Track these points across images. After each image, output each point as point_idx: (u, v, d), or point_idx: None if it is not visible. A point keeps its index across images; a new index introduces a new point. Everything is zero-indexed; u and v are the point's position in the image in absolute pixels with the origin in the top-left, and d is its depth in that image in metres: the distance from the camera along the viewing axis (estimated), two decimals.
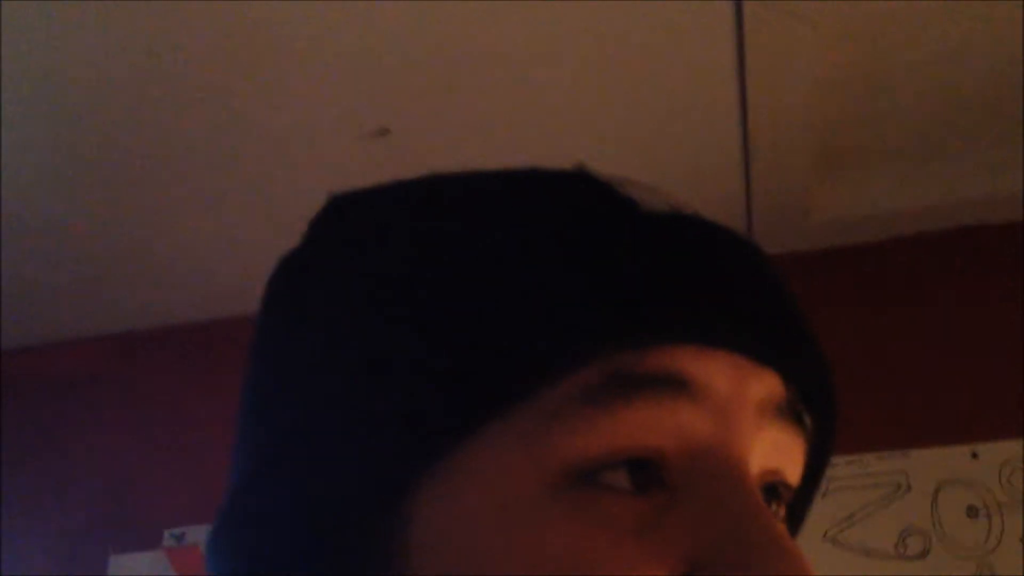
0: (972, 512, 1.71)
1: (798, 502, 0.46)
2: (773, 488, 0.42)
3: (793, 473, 0.43)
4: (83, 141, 1.68)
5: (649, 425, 0.37)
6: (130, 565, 1.96)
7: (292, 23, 1.46)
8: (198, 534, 1.93)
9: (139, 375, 2.16)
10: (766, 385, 0.40)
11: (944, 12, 1.50)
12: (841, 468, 1.76)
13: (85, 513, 2.05)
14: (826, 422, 0.45)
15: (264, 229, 1.89)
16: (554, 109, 1.66)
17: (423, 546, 0.38)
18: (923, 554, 1.70)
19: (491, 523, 0.37)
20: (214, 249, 1.95)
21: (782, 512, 0.43)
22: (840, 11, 1.47)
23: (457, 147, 1.71)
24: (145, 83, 1.56)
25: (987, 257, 1.86)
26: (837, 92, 1.65)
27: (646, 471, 0.38)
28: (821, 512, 1.76)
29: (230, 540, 0.43)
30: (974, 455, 1.73)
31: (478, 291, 0.39)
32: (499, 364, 0.37)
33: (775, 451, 0.41)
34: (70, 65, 1.52)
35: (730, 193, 1.84)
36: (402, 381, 0.38)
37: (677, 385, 0.38)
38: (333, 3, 1.43)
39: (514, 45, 1.53)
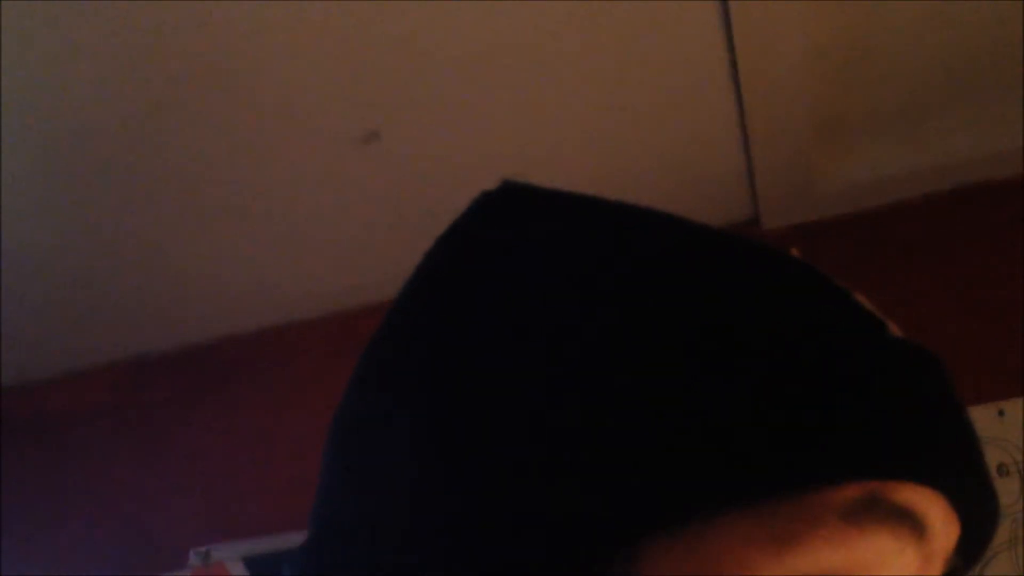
0: (1002, 471, 1.69)
1: None
2: None
3: None
4: (76, 173, 1.67)
5: (882, 561, 0.36)
6: None
7: (278, 30, 1.45)
8: (223, 551, 1.93)
9: (147, 400, 2.15)
10: (955, 536, 0.40)
11: None
12: None
13: (106, 541, 2.05)
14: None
15: (260, 243, 1.88)
16: (546, 109, 1.65)
17: None
18: None
19: None
20: (214, 268, 1.94)
21: None
22: None
23: (449, 150, 1.70)
24: (130, 102, 1.54)
25: (998, 213, 1.84)
26: (831, 58, 1.63)
27: None
28: None
29: None
30: (1000, 413, 1.71)
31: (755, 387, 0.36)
32: (769, 453, 0.35)
33: None
34: (64, 92, 1.51)
35: (732, 171, 1.83)
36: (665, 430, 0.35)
37: (918, 526, 0.37)
38: (321, 5, 1.41)
39: (505, 43, 1.51)
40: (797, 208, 1.90)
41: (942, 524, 0.38)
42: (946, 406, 0.40)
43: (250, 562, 1.90)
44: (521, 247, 0.40)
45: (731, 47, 1.53)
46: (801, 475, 0.35)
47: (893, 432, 0.37)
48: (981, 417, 1.71)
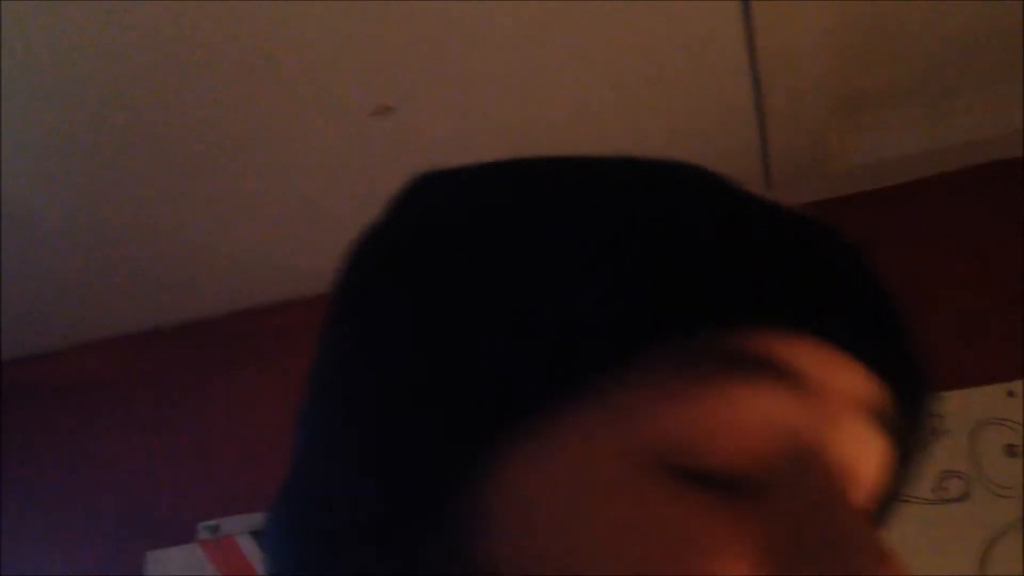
0: (1011, 451, 1.69)
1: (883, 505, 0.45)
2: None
3: (879, 488, 0.42)
4: (81, 143, 1.67)
5: (756, 423, 0.36)
6: (166, 561, 1.96)
7: (294, 5, 1.44)
8: (232, 524, 1.93)
9: (155, 373, 2.16)
10: (869, 392, 0.39)
11: None
12: None
13: (114, 515, 2.05)
14: (912, 439, 0.44)
15: (271, 216, 1.88)
16: (561, 82, 1.64)
17: (505, 515, 0.36)
18: (963, 496, 1.68)
19: (582, 494, 0.35)
20: (225, 240, 1.94)
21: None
22: None
23: (463, 126, 1.70)
24: (138, 79, 1.54)
25: (1013, 193, 1.83)
26: (848, 35, 1.62)
27: (737, 471, 0.36)
28: None
29: (294, 516, 0.41)
30: (1010, 393, 1.71)
31: (577, 259, 0.37)
32: (597, 324, 0.36)
33: (870, 469, 0.40)
34: (70, 64, 1.50)
35: (744, 147, 1.82)
36: (496, 342, 0.37)
37: (786, 375, 0.36)
38: None
39: (520, 19, 1.51)
40: (808, 186, 1.89)
41: (834, 373, 0.37)
42: (814, 260, 0.39)
43: (260, 535, 1.90)
44: (423, 236, 0.42)
45: (748, 23, 1.52)
46: (637, 333, 0.35)
47: (740, 279, 0.36)
48: (990, 397, 1.71)
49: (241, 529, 1.93)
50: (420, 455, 0.37)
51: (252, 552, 1.91)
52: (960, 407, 1.72)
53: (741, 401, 0.36)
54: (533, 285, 0.37)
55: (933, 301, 1.81)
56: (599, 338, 0.36)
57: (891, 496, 0.45)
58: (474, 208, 0.41)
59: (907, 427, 0.42)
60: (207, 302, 2.12)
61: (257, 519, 1.91)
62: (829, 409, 0.37)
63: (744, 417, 0.36)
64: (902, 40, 1.65)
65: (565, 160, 0.43)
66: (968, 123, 1.79)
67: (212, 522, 1.96)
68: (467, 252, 0.40)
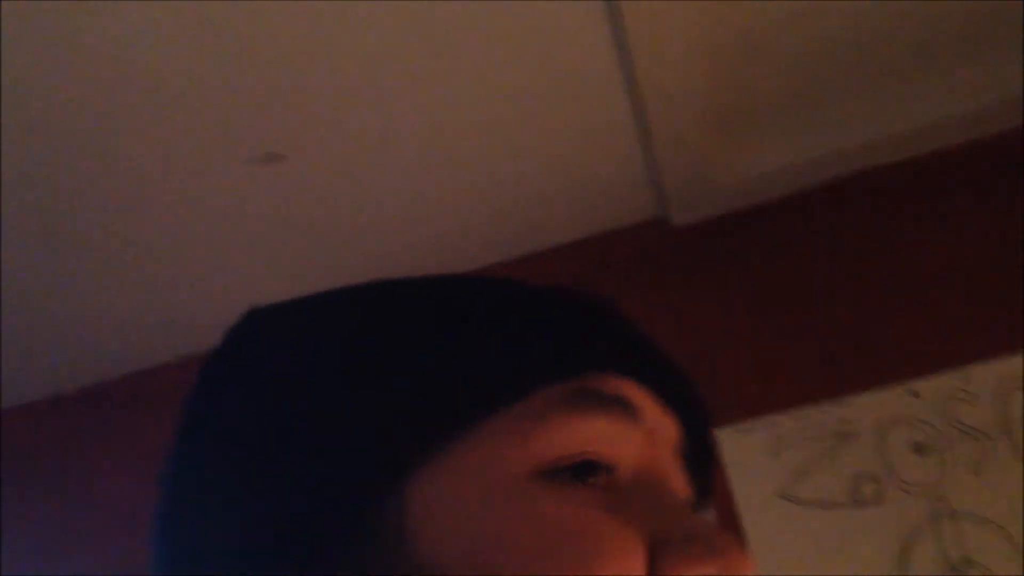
0: (919, 449, 1.72)
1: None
2: None
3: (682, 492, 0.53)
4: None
5: (602, 432, 0.47)
6: None
7: (171, 53, 1.42)
8: None
9: (138, 420, 2.10)
10: (672, 427, 0.51)
11: None
12: (785, 424, 1.76)
13: (105, 559, 1.99)
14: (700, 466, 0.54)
15: (162, 276, 1.84)
16: (446, 120, 1.65)
17: (419, 528, 0.44)
18: (878, 498, 1.71)
19: (483, 503, 0.44)
20: (117, 303, 1.90)
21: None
22: None
23: (352, 168, 1.69)
24: (31, 133, 1.50)
25: (892, 196, 1.87)
26: (722, 53, 1.64)
27: (605, 472, 0.47)
28: (772, 471, 1.77)
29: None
30: (915, 393, 1.74)
31: (481, 339, 0.49)
32: (494, 375, 0.47)
33: (673, 473, 0.50)
34: None
35: (636, 170, 1.84)
36: (408, 390, 0.47)
37: (626, 407, 0.48)
38: (221, 32, 1.39)
39: (401, 59, 1.50)
40: (705, 203, 1.92)
41: (653, 410, 0.49)
42: (619, 327, 0.52)
43: None
44: (260, 367, 0.51)
45: (622, 46, 1.54)
46: (526, 381, 0.47)
47: (584, 344, 0.50)
48: (893, 398, 1.74)
49: None
50: (350, 476, 0.46)
51: None
52: (865, 410, 1.75)
53: (600, 423, 0.47)
54: (441, 348, 0.49)
55: (827, 308, 1.84)
56: (495, 382, 0.47)
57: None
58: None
59: (695, 456, 0.53)
60: (104, 365, 2.07)
61: None
62: (654, 440, 0.49)
63: (600, 429, 0.47)
64: (774, 55, 1.68)
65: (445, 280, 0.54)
66: (845, 132, 1.84)
67: None
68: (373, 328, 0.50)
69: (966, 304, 1.77)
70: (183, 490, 0.50)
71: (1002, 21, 1.68)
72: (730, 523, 1.73)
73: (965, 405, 1.72)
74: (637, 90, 1.62)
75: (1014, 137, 1.83)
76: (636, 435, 0.48)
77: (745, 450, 1.77)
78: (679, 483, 0.50)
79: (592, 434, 0.46)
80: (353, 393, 0.47)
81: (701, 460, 0.53)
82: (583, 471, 0.46)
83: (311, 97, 1.55)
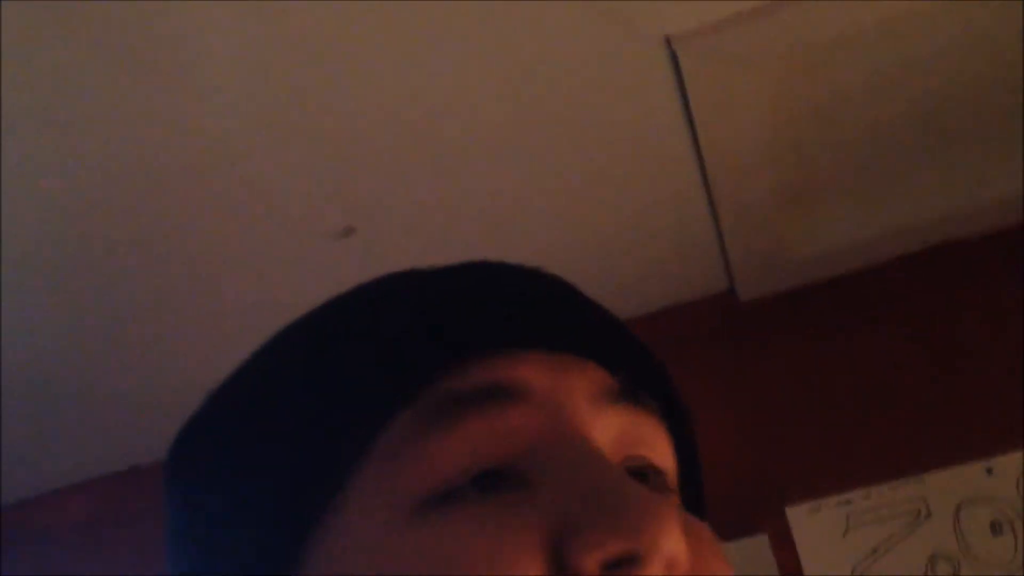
0: (996, 528, 1.68)
1: (688, 486, 0.48)
2: (642, 473, 0.44)
3: (660, 455, 0.45)
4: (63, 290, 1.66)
5: (485, 435, 0.41)
6: None
7: (249, 130, 1.45)
8: None
9: (139, 510, 2.12)
10: (589, 376, 0.44)
11: (882, 34, 1.51)
12: (858, 503, 1.73)
13: None
14: (669, 401, 0.48)
15: (245, 343, 1.86)
16: (516, 196, 1.67)
17: (342, 556, 0.41)
18: None
19: (365, 554, 0.40)
20: (196, 375, 1.93)
21: (675, 500, 0.45)
22: (776, 48, 1.48)
23: (423, 241, 1.71)
24: (104, 221, 1.55)
25: (966, 271, 1.85)
26: (791, 128, 1.65)
27: (493, 478, 0.41)
28: (845, 550, 1.73)
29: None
30: (989, 471, 1.71)
31: (323, 384, 0.45)
32: (346, 422, 0.42)
33: (627, 435, 0.44)
34: (43, 213, 1.51)
35: (704, 244, 1.84)
36: (285, 464, 0.43)
37: (500, 393, 0.42)
38: (292, 106, 1.43)
39: (472, 135, 1.53)
40: (772, 277, 1.91)
41: (542, 375, 0.43)
42: (494, 290, 0.47)
43: None
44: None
45: (690, 120, 1.55)
46: (372, 418, 0.42)
47: (429, 335, 0.44)
48: (969, 475, 1.71)
49: None
50: (253, 538, 0.43)
51: None
52: (940, 488, 1.72)
53: (472, 428, 0.41)
54: (300, 417, 0.44)
55: (901, 385, 1.81)
56: (349, 428, 0.42)
57: (692, 466, 0.49)
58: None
59: (657, 394, 0.47)
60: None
61: None
62: (557, 406, 0.42)
63: (477, 432, 0.41)
64: (843, 130, 1.69)
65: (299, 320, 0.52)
66: (915, 207, 1.82)
67: None
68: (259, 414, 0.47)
69: None
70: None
71: None
72: None
73: None
74: (705, 165, 1.63)
75: None
76: (529, 415, 0.42)
77: (817, 529, 1.74)
78: (605, 434, 0.43)
79: (471, 443, 0.41)
80: (252, 450, 0.45)
81: (666, 407, 0.47)
82: (485, 483, 0.40)
83: (381, 171, 1.58)
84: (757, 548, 1.74)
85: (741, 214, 1.75)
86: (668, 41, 1.41)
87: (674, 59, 1.43)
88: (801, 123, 1.65)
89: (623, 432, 0.44)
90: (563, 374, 0.43)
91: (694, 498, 0.48)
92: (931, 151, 1.76)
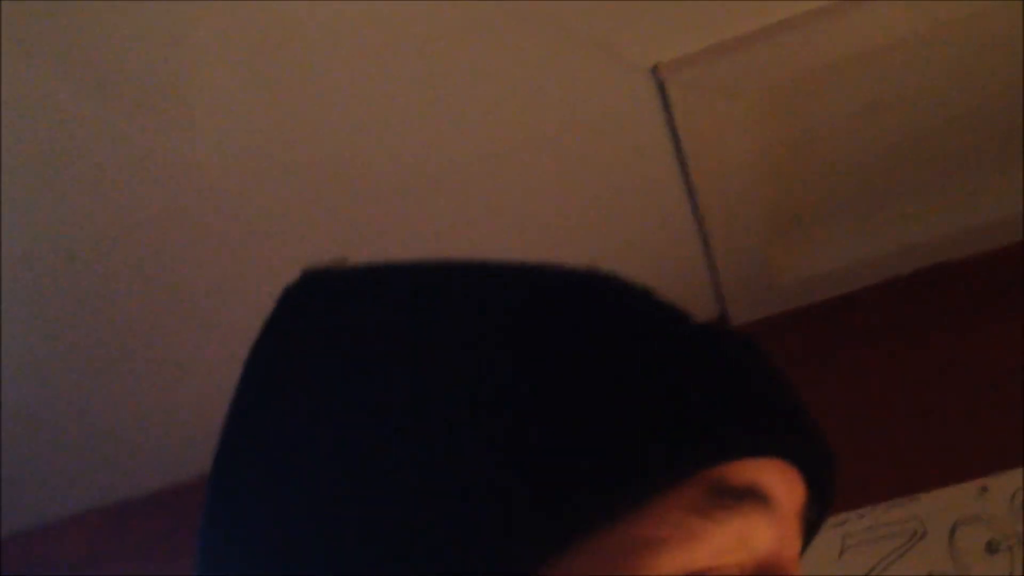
0: (992, 548, 1.68)
1: None
2: None
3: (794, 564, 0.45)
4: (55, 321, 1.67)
5: (740, 540, 0.39)
6: None
7: (243, 168, 1.46)
8: None
9: (135, 543, 2.12)
10: (799, 491, 0.43)
11: (872, 61, 1.52)
12: (852, 524, 1.73)
13: None
14: (824, 503, 0.48)
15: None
16: (505, 227, 1.68)
17: None
18: None
19: None
20: (195, 409, 1.93)
21: None
22: (763, 78, 1.49)
23: None
24: (97, 259, 1.55)
25: (958, 294, 1.86)
26: (779, 154, 1.66)
27: None
28: (841, 571, 1.73)
29: None
30: (984, 489, 1.71)
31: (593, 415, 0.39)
32: (613, 476, 0.38)
33: (791, 550, 0.44)
34: (37, 247, 1.51)
35: (693, 270, 1.85)
36: (520, 493, 0.38)
37: (763, 498, 0.40)
38: (286, 144, 1.43)
39: (459, 168, 1.54)
40: (763, 302, 1.92)
41: (785, 487, 0.41)
42: (757, 377, 0.43)
43: None
44: (324, 330, 0.44)
45: (679, 152, 1.57)
46: (647, 482, 0.38)
47: (711, 421, 0.40)
48: (964, 495, 1.71)
49: None
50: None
51: None
52: (935, 508, 1.72)
53: (733, 523, 0.39)
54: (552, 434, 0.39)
55: (894, 405, 1.82)
56: (614, 484, 0.38)
57: None
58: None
59: (815, 515, 0.47)
60: (176, 469, 2.09)
61: None
62: (785, 522, 0.42)
63: (733, 534, 0.39)
64: (832, 155, 1.70)
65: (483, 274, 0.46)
66: (905, 230, 1.84)
67: None
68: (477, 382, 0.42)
69: None
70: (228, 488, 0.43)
71: None
72: None
73: None
74: (694, 191, 1.64)
75: None
76: (770, 529, 0.40)
77: (812, 551, 1.72)
78: (794, 554, 0.43)
79: (725, 542, 0.38)
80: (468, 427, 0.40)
81: (820, 515, 0.46)
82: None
83: (373, 204, 1.59)
84: None
85: (731, 239, 1.76)
86: (655, 70, 1.43)
87: (661, 88, 1.45)
88: (791, 148, 1.66)
89: (794, 554, 0.44)
90: (792, 486, 0.42)
91: None
92: (922, 176, 1.77)
